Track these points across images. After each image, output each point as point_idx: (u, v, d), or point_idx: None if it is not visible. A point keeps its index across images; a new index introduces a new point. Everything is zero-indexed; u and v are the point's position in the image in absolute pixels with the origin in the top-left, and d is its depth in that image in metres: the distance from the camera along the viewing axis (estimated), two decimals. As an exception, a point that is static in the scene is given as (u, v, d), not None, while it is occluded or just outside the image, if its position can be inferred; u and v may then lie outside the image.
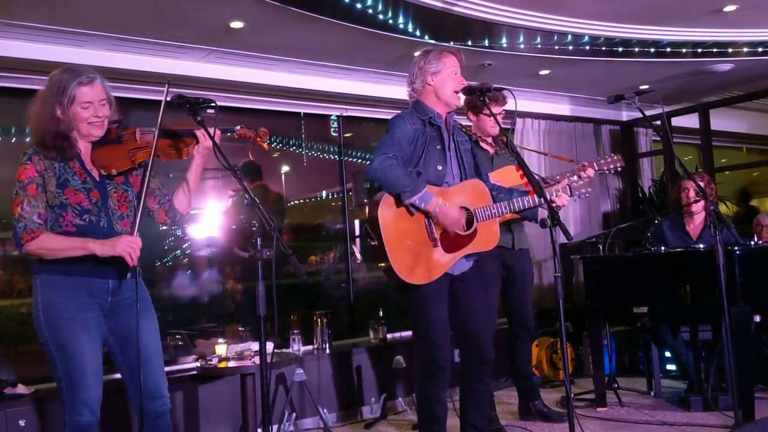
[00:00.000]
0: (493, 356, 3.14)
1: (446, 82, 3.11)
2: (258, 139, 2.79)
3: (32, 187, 2.48)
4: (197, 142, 2.67)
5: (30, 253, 2.48)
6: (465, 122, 4.05)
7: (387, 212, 2.96)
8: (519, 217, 3.68)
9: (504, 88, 4.06)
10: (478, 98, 3.71)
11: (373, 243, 2.99)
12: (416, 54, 3.24)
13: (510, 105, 4.03)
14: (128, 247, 2.44)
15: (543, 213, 3.14)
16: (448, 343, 3.05)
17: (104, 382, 2.55)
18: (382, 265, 3.00)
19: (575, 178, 3.38)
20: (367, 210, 3.09)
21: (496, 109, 3.95)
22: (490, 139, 4.14)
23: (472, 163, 3.25)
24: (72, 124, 2.53)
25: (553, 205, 3.18)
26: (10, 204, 2.50)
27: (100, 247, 2.46)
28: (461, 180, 3.13)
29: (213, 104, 2.62)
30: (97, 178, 2.60)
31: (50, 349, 2.49)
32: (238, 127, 2.79)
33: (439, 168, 3.06)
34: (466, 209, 3.06)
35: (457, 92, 3.12)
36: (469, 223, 3.06)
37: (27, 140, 4.43)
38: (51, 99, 2.51)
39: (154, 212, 2.79)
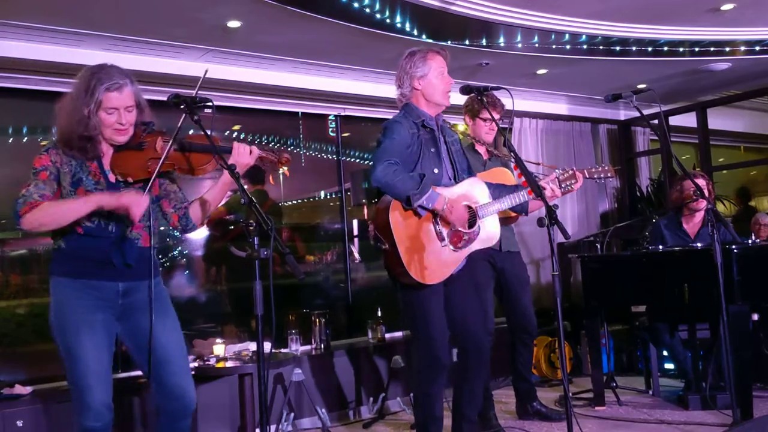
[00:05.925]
0: (489, 354, 3.18)
1: (433, 84, 3.12)
2: (279, 164, 2.69)
3: (44, 173, 2.46)
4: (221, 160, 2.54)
5: (30, 226, 2.41)
6: (453, 121, 4.05)
7: (398, 216, 2.97)
8: (506, 217, 3.72)
9: (501, 88, 4.08)
10: (476, 99, 3.73)
11: (384, 247, 2.99)
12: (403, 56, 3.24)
13: (507, 104, 4.01)
14: (133, 200, 2.41)
15: (541, 212, 3.14)
16: (447, 342, 3.07)
17: (117, 381, 2.55)
18: (383, 262, 3.02)
19: (560, 170, 3.40)
20: (375, 215, 3.09)
21: (494, 115, 3.96)
22: (483, 147, 4.15)
23: (463, 161, 3.27)
24: (98, 126, 2.50)
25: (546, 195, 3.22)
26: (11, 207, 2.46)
27: (107, 199, 2.42)
28: (455, 180, 3.16)
29: (210, 103, 2.58)
30: (113, 181, 2.56)
31: (60, 350, 2.49)
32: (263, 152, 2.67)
33: (435, 171, 3.08)
34: (469, 207, 3.08)
35: (446, 92, 3.13)
36: (472, 221, 3.08)
37: (25, 140, 4.43)
38: (80, 99, 2.48)
39: (167, 215, 2.73)
